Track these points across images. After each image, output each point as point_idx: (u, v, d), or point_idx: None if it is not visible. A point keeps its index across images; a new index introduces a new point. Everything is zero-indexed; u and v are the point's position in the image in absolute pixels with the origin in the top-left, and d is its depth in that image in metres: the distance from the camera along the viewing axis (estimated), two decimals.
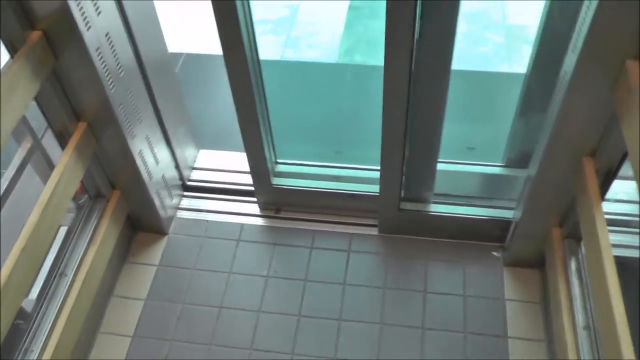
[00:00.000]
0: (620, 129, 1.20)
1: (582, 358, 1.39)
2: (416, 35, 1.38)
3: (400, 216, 1.85)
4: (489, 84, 2.44)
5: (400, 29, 1.32)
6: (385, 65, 1.41)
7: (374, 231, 1.93)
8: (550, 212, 1.60)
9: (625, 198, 1.69)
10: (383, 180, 1.75)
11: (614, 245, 1.29)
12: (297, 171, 1.95)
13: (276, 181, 1.93)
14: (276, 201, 1.99)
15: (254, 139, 1.77)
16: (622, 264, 1.30)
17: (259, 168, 1.88)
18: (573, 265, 1.56)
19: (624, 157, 1.34)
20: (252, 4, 1.46)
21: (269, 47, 2.69)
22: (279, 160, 1.95)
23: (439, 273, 1.82)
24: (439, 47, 1.41)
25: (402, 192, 1.82)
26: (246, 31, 1.48)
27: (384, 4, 1.27)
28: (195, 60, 2.64)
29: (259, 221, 1.98)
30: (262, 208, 2.00)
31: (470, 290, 1.78)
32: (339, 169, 1.95)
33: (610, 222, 1.45)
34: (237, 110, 1.68)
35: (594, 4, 1.09)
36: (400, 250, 1.88)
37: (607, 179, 1.40)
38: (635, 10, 1.08)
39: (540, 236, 1.69)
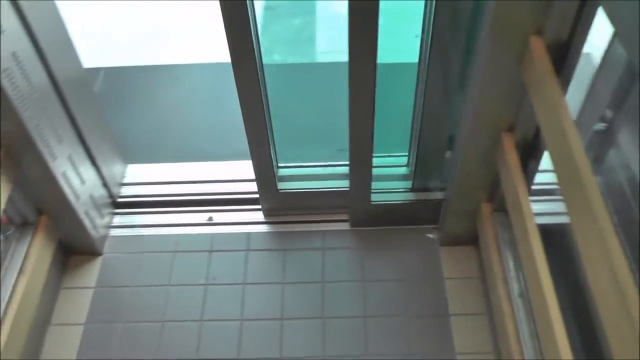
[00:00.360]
0: (531, 103, 1.25)
1: (518, 325, 1.44)
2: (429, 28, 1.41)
3: (371, 210, 1.87)
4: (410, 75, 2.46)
5: (365, 21, 1.33)
6: (350, 60, 1.42)
7: (311, 227, 1.94)
8: (478, 189, 1.66)
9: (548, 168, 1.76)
10: (353, 175, 1.76)
11: (540, 214, 1.35)
12: (300, 173, 1.94)
13: (281, 186, 1.91)
14: (281, 206, 1.96)
15: (262, 145, 1.74)
16: (548, 230, 1.36)
17: (265, 174, 1.84)
18: (504, 237, 1.62)
19: (538, 129, 1.40)
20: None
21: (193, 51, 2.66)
22: (280, 165, 1.92)
23: (375, 261, 1.85)
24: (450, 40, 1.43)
25: (412, 183, 1.85)
26: (255, 36, 1.45)
27: (300, 3, 1.27)
28: (115, 73, 2.56)
29: (193, 230, 1.95)
30: (266, 215, 1.97)
31: (408, 274, 1.81)
32: (341, 167, 1.92)
33: (535, 192, 1.52)
34: (245, 117, 1.64)
35: None
36: (337, 242, 1.90)
37: (526, 151, 1.46)
38: None
39: (472, 213, 1.74)
